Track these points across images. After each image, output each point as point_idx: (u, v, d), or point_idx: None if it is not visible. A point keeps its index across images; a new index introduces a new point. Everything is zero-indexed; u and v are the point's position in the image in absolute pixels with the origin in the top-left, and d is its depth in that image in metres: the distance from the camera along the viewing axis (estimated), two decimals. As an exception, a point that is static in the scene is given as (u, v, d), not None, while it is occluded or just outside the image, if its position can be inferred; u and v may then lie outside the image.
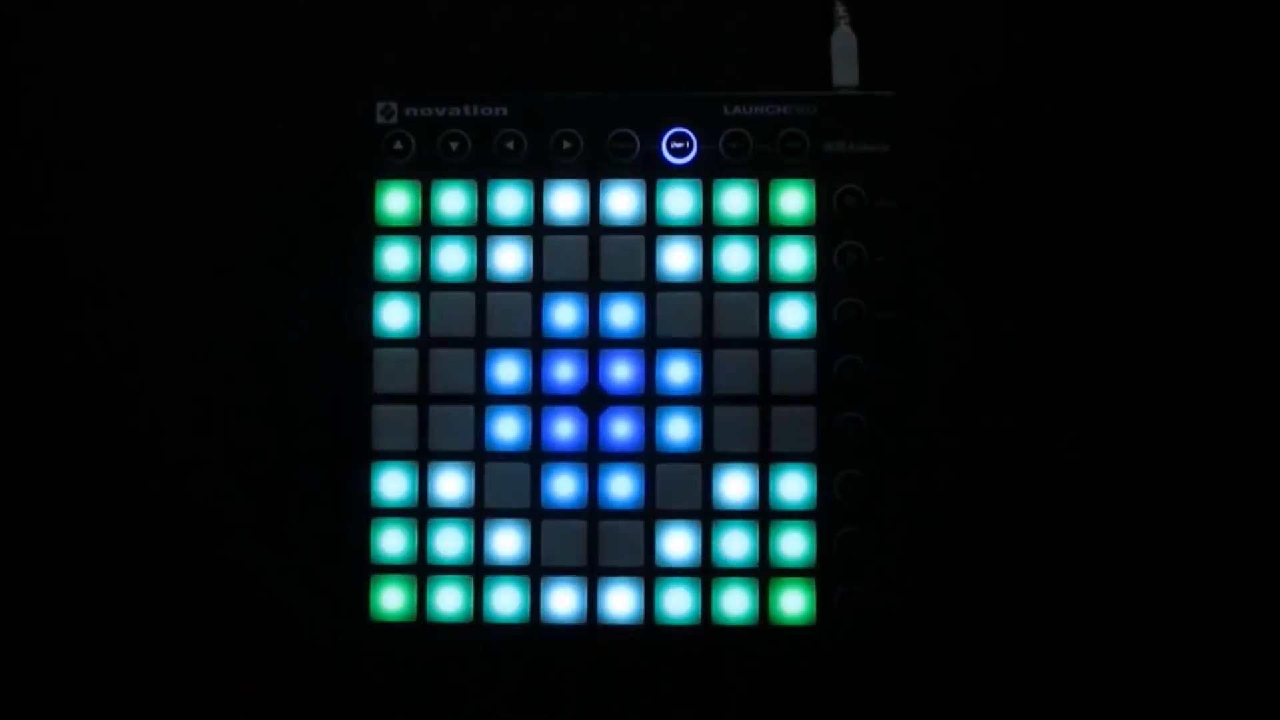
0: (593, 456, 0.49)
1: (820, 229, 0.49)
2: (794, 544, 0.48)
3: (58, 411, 0.51)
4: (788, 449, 0.49)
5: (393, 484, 0.49)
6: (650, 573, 0.48)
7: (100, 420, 0.51)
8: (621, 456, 0.49)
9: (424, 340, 0.49)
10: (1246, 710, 0.49)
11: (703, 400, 0.49)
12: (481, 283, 0.49)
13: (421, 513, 0.49)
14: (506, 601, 0.49)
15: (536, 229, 0.49)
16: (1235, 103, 0.51)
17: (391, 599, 0.49)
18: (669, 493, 0.49)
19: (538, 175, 0.49)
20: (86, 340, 0.51)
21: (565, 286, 0.49)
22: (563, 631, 0.48)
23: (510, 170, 0.49)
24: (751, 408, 0.49)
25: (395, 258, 0.49)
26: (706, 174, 0.49)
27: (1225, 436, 0.50)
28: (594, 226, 0.49)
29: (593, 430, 0.49)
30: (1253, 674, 0.50)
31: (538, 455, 0.49)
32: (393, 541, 0.49)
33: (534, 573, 0.49)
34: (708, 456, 0.49)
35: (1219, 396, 0.50)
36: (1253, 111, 0.51)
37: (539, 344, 0.49)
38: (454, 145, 0.49)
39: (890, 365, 0.48)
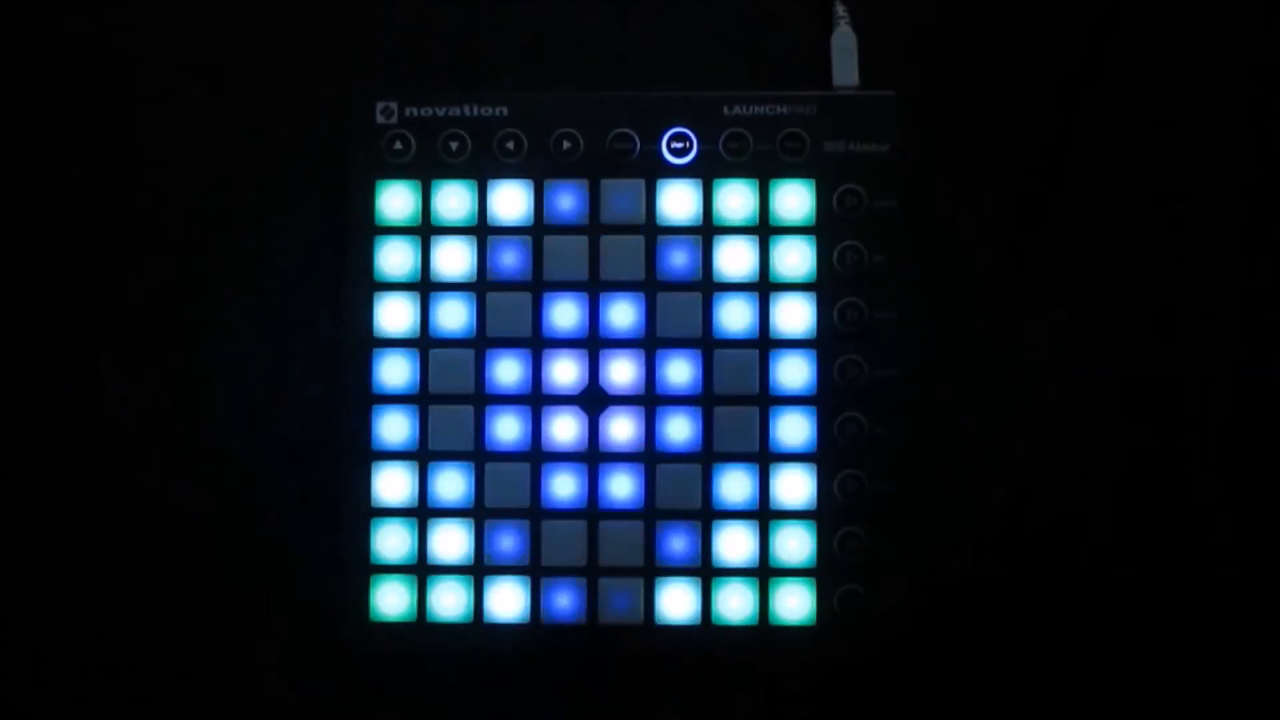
0: (593, 456, 0.49)
1: (820, 229, 0.49)
2: (794, 544, 0.48)
3: (53, 413, 0.51)
4: (788, 449, 0.49)
5: (393, 484, 0.49)
6: (650, 573, 0.48)
7: (98, 421, 0.51)
8: (621, 456, 0.49)
9: (424, 340, 0.49)
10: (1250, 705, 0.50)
11: (703, 400, 0.49)
12: (481, 283, 0.49)
13: (421, 513, 0.49)
14: (506, 601, 0.49)
15: (536, 229, 0.49)
16: (1235, 102, 0.51)
17: (391, 599, 0.49)
18: (669, 493, 0.49)
19: (538, 175, 0.49)
20: (82, 340, 0.51)
21: (565, 286, 0.49)
22: (563, 631, 0.48)
23: (510, 170, 0.49)
24: (751, 408, 0.49)
25: (395, 258, 0.49)
26: (706, 174, 0.49)
27: (1228, 439, 0.50)
28: (594, 226, 0.49)
29: (593, 430, 0.49)
30: (1256, 670, 0.50)
31: (538, 455, 0.49)
32: (393, 541, 0.49)
33: (534, 573, 0.49)
34: (708, 456, 0.49)
35: (1223, 397, 0.50)
36: (1253, 110, 0.51)
37: (539, 344, 0.49)
38: (454, 145, 0.49)
39: (890, 366, 0.48)
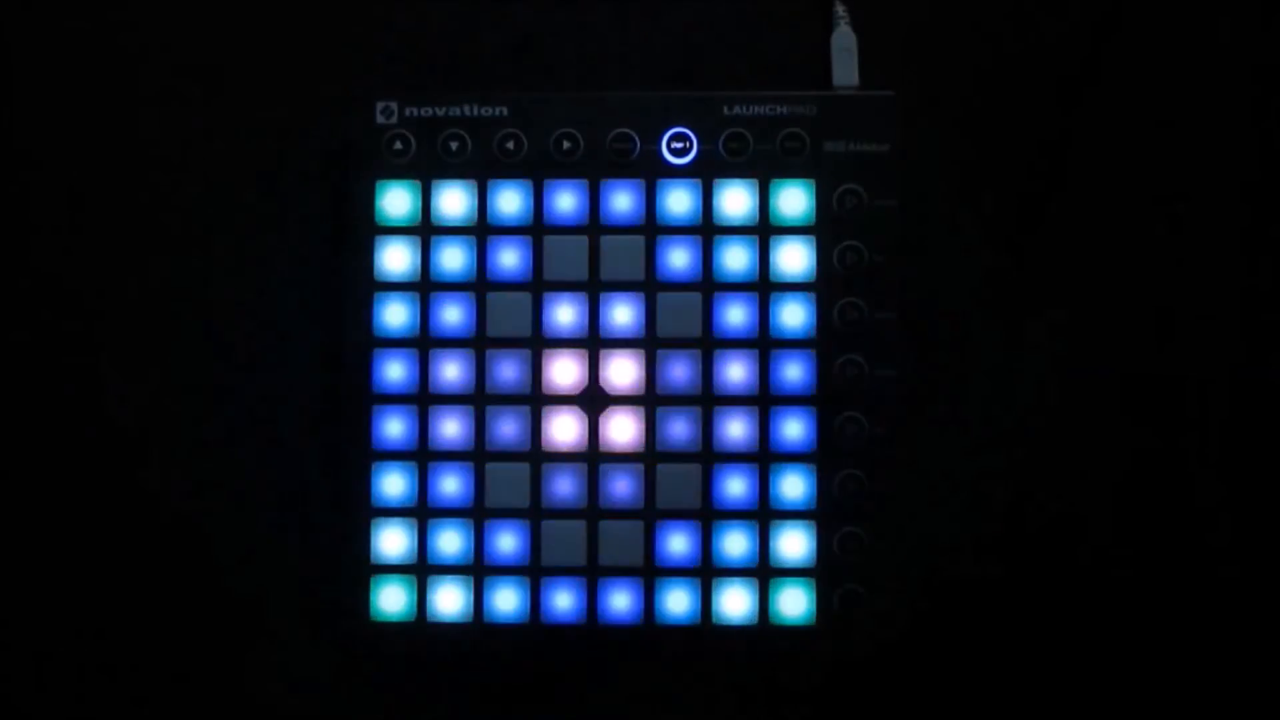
0: (593, 456, 0.49)
1: (820, 229, 0.49)
2: (794, 544, 0.48)
3: (53, 413, 0.51)
4: (788, 449, 0.49)
5: (393, 484, 0.49)
6: (650, 573, 0.48)
7: (98, 421, 0.51)
8: (621, 456, 0.49)
9: (424, 340, 0.49)
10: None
11: (703, 400, 0.49)
12: (481, 283, 0.49)
13: (421, 513, 0.49)
14: (506, 601, 0.49)
15: (536, 229, 0.49)
16: (1235, 102, 0.51)
17: (391, 599, 0.49)
18: (669, 493, 0.49)
19: (538, 175, 0.49)
20: (82, 340, 0.51)
21: (565, 286, 0.49)
22: (563, 631, 0.48)
23: (510, 170, 0.49)
24: (751, 408, 0.49)
25: (395, 258, 0.49)
26: (706, 174, 0.49)
27: (1228, 439, 0.50)
28: (594, 226, 0.49)
29: (593, 430, 0.49)
30: (1256, 670, 0.50)
31: (538, 455, 0.49)
32: (393, 541, 0.49)
33: (534, 573, 0.49)
34: (708, 456, 0.49)
35: (1223, 397, 0.50)
36: (1253, 110, 0.51)
37: (539, 344, 0.49)
38: (454, 145, 0.49)
39: (890, 365, 0.48)
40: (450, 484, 0.49)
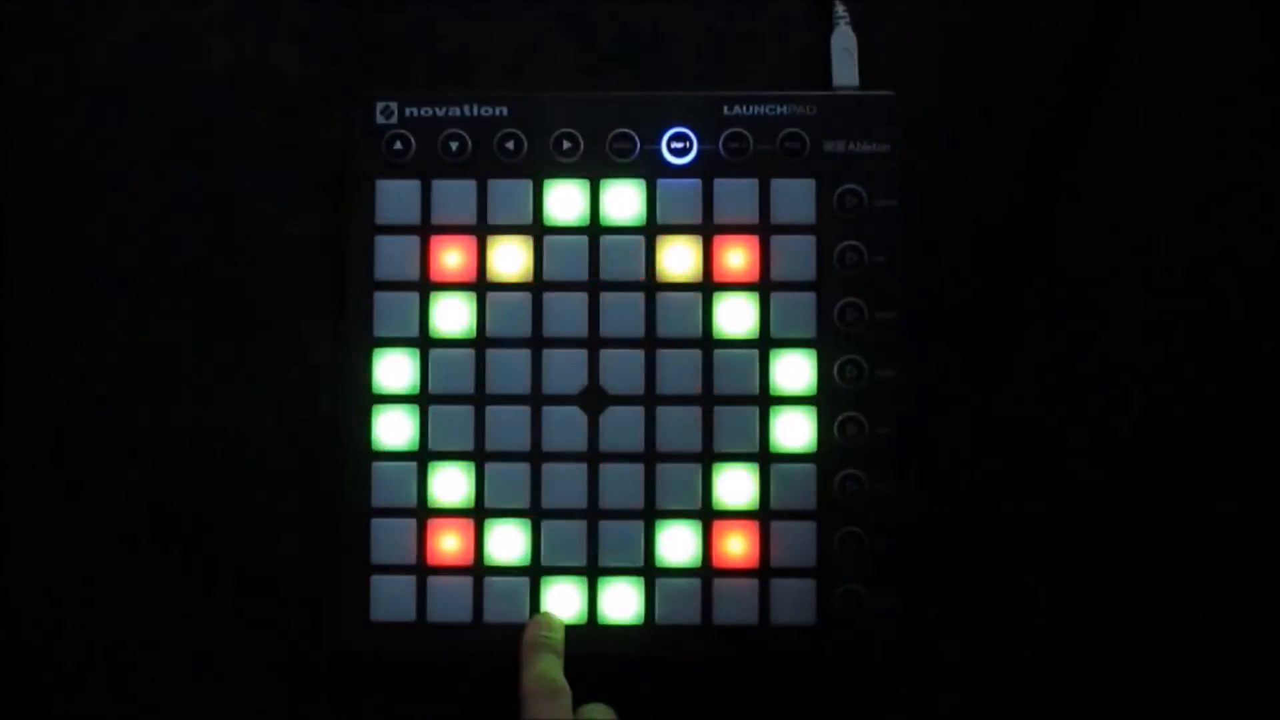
0: (593, 456, 0.49)
1: (820, 229, 0.49)
2: (794, 543, 0.48)
3: (52, 413, 0.51)
4: (788, 449, 0.49)
5: (393, 483, 0.49)
6: (650, 573, 0.48)
7: (98, 421, 0.51)
8: (621, 456, 0.49)
9: (424, 341, 0.49)
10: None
11: (703, 400, 0.49)
12: (481, 283, 0.49)
13: (421, 512, 0.49)
14: (506, 601, 0.49)
15: (536, 229, 0.49)
16: (1234, 103, 0.51)
17: (391, 598, 0.49)
18: (669, 493, 0.49)
19: (538, 175, 0.49)
20: (82, 340, 0.51)
21: (565, 286, 0.49)
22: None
23: (510, 170, 0.49)
24: (751, 408, 0.49)
25: (395, 258, 0.49)
26: (706, 174, 0.49)
27: (1229, 443, 0.50)
28: (594, 226, 0.49)
29: (593, 430, 0.49)
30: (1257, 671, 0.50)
31: (538, 455, 0.49)
32: (393, 541, 0.49)
33: (534, 573, 0.49)
34: (708, 456, 0.49)
35: (1223, 397, 0.50)
36: (1253, 113, 0.51)
37: (539, 344, 0.49)
38: (454, 145, 0.49)
39: (890, 365, 0.48)
40: (450, 484, 0.49)
